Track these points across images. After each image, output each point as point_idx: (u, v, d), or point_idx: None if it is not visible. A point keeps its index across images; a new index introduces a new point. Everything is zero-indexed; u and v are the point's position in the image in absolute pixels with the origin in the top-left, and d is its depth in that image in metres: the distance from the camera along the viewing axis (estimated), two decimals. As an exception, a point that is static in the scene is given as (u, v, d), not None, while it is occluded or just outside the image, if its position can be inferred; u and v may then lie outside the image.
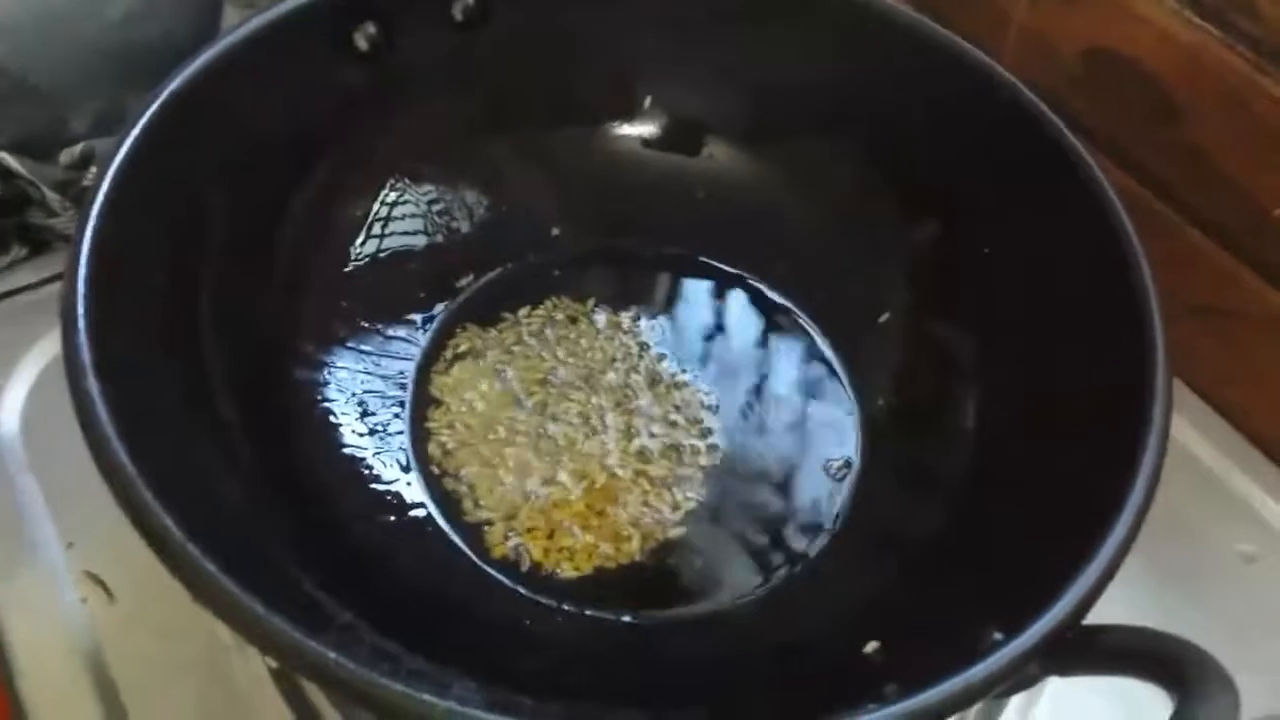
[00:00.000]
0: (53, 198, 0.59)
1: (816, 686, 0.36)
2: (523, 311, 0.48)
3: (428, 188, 0.49)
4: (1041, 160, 0.42)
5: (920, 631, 0.36)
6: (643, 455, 0.45)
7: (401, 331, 0.46)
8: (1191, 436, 0.52)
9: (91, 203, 0.36)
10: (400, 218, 0.48)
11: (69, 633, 0.41)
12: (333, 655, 0.27)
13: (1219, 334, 0.52)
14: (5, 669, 0.41)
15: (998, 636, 0.31)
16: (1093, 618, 0.45)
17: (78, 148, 0.60)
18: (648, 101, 0.51)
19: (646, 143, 0.52)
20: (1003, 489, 0.40)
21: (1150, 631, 0.32)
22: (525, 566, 0.41)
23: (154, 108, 0.39)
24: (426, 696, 0.27)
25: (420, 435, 0.44)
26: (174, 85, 0.40)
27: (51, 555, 0.44)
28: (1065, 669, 0.32)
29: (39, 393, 0.49)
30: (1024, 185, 0.43)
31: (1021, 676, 0.31)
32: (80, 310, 0.33)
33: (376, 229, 0.47)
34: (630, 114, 0.51)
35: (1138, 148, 0.53)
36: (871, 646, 0.36)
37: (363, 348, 0.45)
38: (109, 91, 0.60)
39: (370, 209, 0.47)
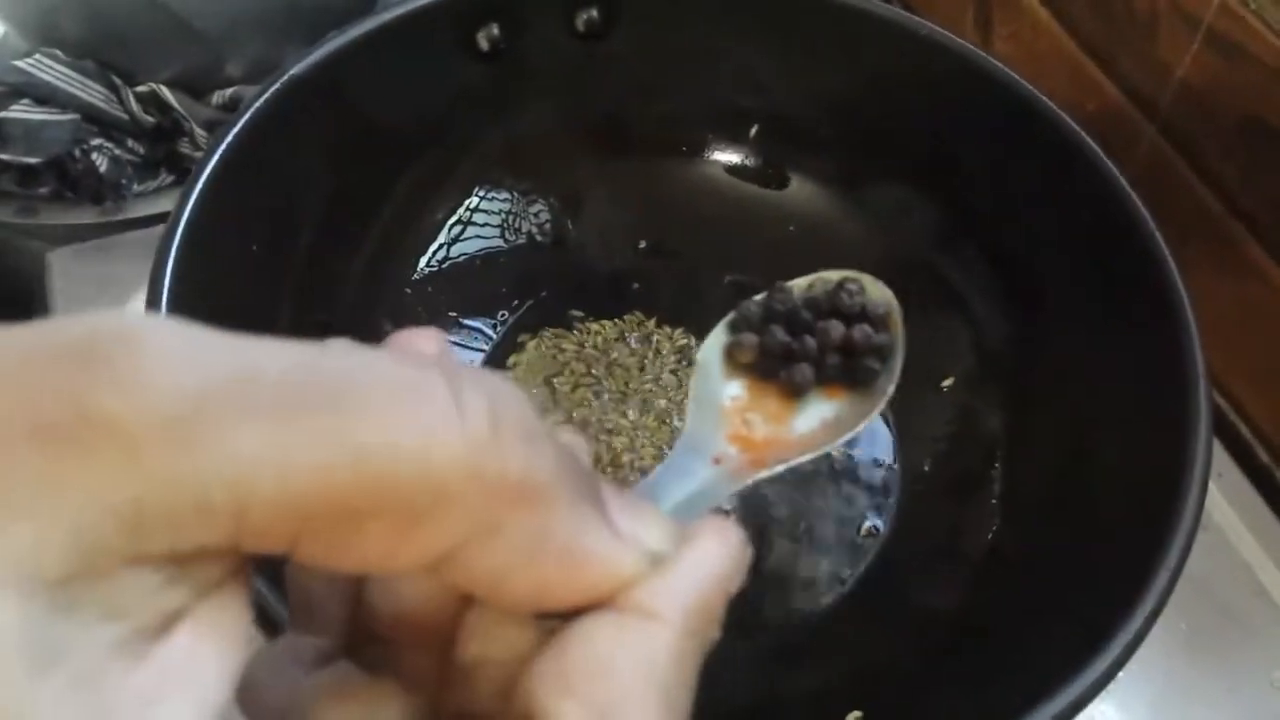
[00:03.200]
0: (201, 134, 0.63)
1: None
2: (595, 324, 0.50)
3: (522, 190, 0.51)
4: (1127, 259, 0.42)
5: (900, 712, 0.37)
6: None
7: (478, 323, 0.49)
8: (1252, 548, 0.50)
9: (200, 171, 0.39)
10: (493, 217, 0.50)
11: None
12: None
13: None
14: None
15: (961, 739, 0.32)
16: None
17: (229, 91, 0.64)
18: (753, 131, 0.52)
19: (733, 171, 0.52)
20: (1015, 584, 0.40)
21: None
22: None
23: (276, 87, 0.42)
24: None
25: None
26: (296, 70, 0.43)
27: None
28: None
29: (160, 320, 0.53)
30: (1100, 282, 0.43)
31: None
32: (167, 283, 0.36)
33: (469, 227, 0.50)
34: (723, 142, 0.52)
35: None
36: (854, 716, 0.37)
37: (438, 334, 0.47)
38: (266, 41, 0.64)
39: (464, 204, 0.50)
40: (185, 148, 0.65)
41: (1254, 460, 0.56)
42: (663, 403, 0.48)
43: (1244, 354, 0.55)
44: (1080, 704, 0.32)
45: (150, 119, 0.63)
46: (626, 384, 0.48)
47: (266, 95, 0.42)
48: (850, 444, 0.47)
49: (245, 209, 0.41)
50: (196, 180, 0.39)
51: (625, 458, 0.46)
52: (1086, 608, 0.35)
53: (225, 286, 0.40)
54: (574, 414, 0.47)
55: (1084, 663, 0.32)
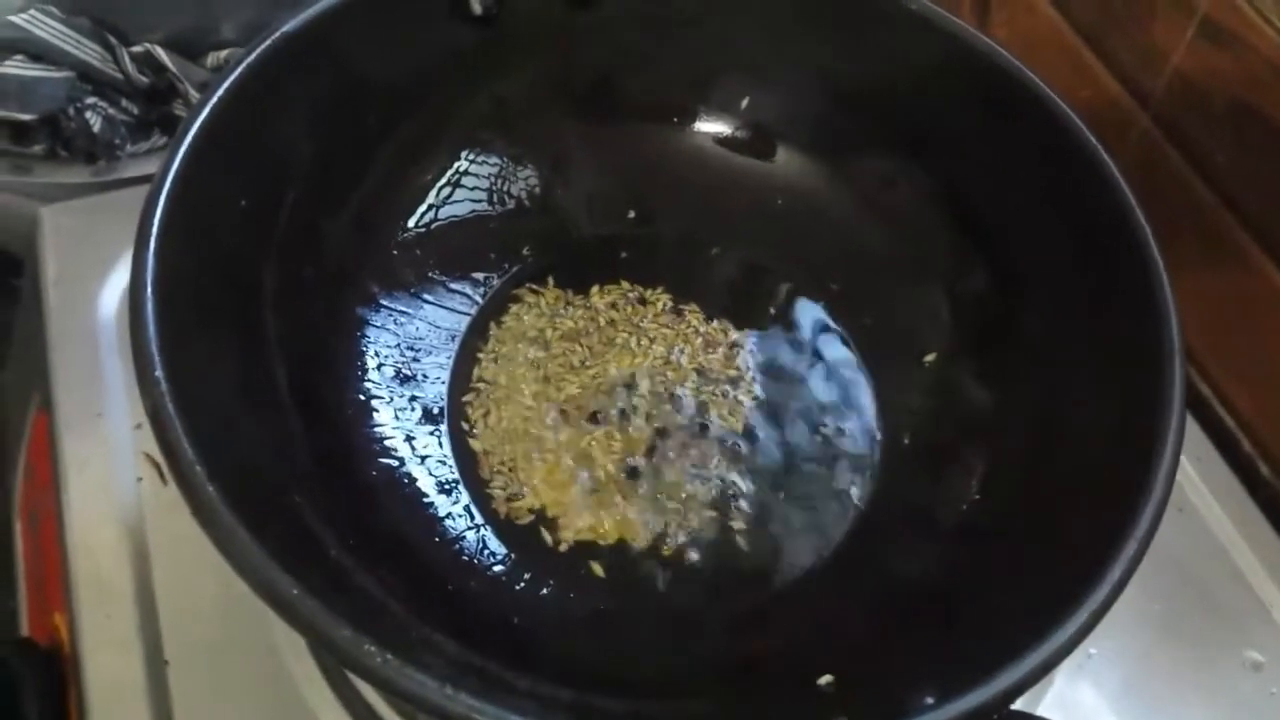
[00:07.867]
0: (195, 96, 0.63)
1: (769, 708, 0.37)
2: (589, 289, 0.50)
3: (511, 155, 0.51)
4: (1103, 232, 0.42)
5: (871, 676, 0.37)
6: (665, 446, 0.46)
7: (465, 287, 0.49)
8: (1228, 531, 0.51)
9: (186, 130, 0.39)
10: (481, 181, 0.50)
11: (120, 504, 0.46)
12: (296, 590, 0.30)
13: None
14: (59, 522, 0.45)
15: (929, 700, 0.32)
16: (1081, 699, 0.46)
17: (224, 53, 0.65)
18: (744, 103, 0.52)
19: (722, 141, 0.53)
20: (987, 554, 0.40)
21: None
22: (524, 530, 0.43)
23: (267, 44, 0.42)
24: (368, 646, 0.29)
25: (458, 389, 0.46)
26: (288, 27, 0.43)
27: (121, 432, 0.48)
28: (986, 748, 0.33)
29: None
30: (1079, 255, 0.43)
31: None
32: (155, 230, 0.36)
33: (457, 190, 0.50)
34: (714, 112, 0.52)
35: (1274, 218, 0.52)
36: (826, 680, 0.37)
37: (424, 296, 0.48)
38: (260, 3, 0.64)
39: (453, 167, 0.50)
40: (179, 109, 0.65)
41: (1237, 450, 0.56)
42: (654, 363, 0.48)
43: (1231, 344, 0.56)
44: (1045, 668, 0.32)
45: (145, 79, 0.63)
46: (612, 341, 0.49)
47: (257, 52, 0.42)
48: (839, 416, 0.48)
49: (233, 164, 0.41)
50: (186, 133, 0.39)
51: (611, 413, 0.47)
52: (1056, 577, 0.35)
53: (212, 241, 0.39)
54: (559, 376, 0.48)
55: (1049, 629, 0.33)
